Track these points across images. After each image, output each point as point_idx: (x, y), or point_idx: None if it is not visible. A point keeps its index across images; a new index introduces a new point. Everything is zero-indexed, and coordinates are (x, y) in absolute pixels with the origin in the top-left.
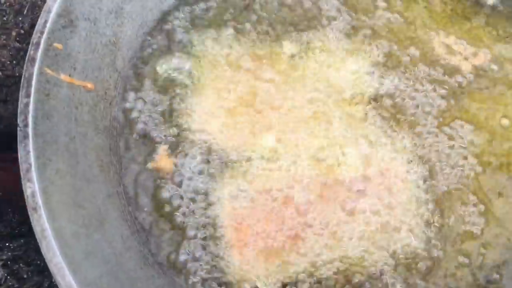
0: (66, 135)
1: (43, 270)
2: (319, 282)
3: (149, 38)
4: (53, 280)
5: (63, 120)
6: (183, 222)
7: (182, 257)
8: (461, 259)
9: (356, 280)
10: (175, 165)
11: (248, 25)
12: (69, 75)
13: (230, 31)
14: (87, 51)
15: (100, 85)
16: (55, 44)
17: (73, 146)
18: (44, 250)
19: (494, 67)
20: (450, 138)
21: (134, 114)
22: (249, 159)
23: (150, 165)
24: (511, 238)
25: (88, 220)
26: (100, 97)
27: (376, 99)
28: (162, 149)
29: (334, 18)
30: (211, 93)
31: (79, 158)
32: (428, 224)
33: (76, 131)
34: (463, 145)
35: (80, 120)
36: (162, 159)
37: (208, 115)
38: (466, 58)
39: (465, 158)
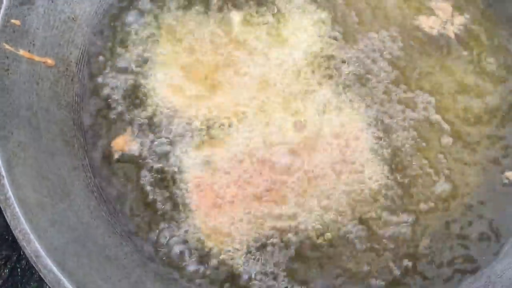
0: (28, 109)
1: (11, 244)
2: (285, 242)
3: (108, 14)
4: (21, 253)
5: (24, 95)
6: (151, 191)
7: (150, 225)
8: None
9: (321, 240)
10: (141, 143)
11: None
12: (29, 51)
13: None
14: (46, 28)
15: (60, 61)
16: (13, 21)
17: (35, 121)
18: (9, 218)
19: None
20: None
21: (97, 90)
22: (212, 126)
23: (113, 144)
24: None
25: (53, 190)
26: (61, 73)
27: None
28: (128, 131)
29: None
30: (173, 64)
31: (42, 132)
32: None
33: (38, 106)
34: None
35: (42, 95)
36: (124, 140)
37: (171, 86)
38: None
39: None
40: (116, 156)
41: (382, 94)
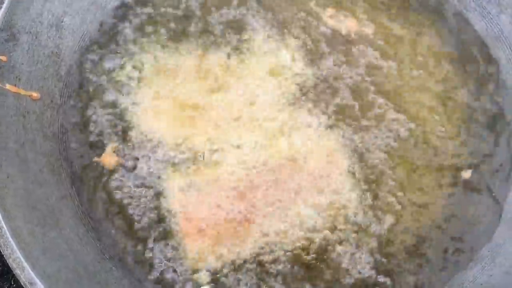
0: (16, 142)
1: (2, 274)
2: (264, 263)
3: (91, 48)
4: (12, 282)
5: (11, 128)
6: (136, 217)
7: (137, 250)
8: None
9: (304, 258)
10: (122, 164)
11: (189, 30)
12: (15, 85)
13: (168, 36)
14: (31, 63)
15: (45, 94)
16: (0, 56)
17: (23, 152)
18: (2, 248)
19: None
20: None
21: (82, 119)
22: (195, 153)
23: (96, 159)
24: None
25: (43, 220)
26: (47, 105)
27: (305, 87)
28: (110, 147)
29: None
30: (155, 92)
31: (30, 163)
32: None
33: (25, 138)
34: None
35: (28, 128)
36: (108, 156)
37: (154, 113)
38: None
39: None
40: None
41: (351, 115)
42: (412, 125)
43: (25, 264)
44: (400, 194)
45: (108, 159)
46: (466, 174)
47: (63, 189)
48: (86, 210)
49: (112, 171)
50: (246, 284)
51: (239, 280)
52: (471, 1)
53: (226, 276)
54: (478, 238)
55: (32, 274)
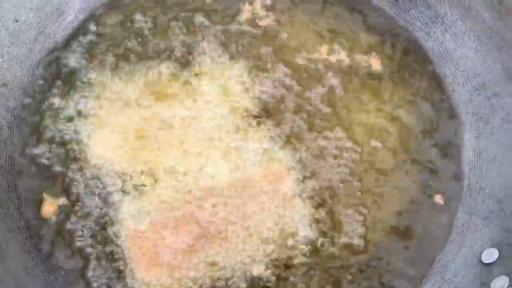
0: None
1: None
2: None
3: (40, 77)
4: None
5: None
6: (87, 247)
7: (87, 283)
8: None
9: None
10: (74, 199)
11: (139, 53)
12: None
13: (115, 62)
14: None
15: None
16: None
17: None
18: None
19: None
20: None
21: (31, 152)
22: (143, 179)
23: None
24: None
25: None
26: None
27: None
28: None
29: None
30: (101, 121)
31: None
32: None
33: None
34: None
35: None
36: (47, 206)
37: (101, 142)
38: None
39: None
40: (48, 216)
41: (301, 137)
42: (359, 148)
43: None
44: (351, 210)
45: (47, 208)
46: (438, 198)
47: (10, 222)
48: (34, 243)
49: (61, 198)
50: None
51: None
52: (417, 21)
53: None
54: (428, 254)
55: None
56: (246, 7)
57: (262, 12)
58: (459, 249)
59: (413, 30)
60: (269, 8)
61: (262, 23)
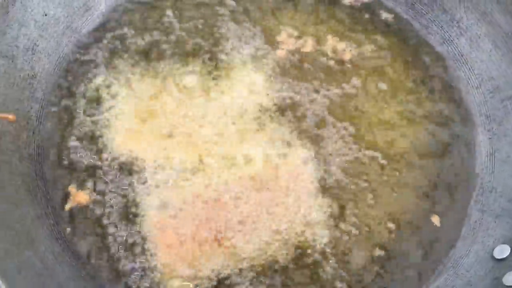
0: None
1: None
2: (244, 278)
3: (66, 70)
4: None
5: None
6: (111, 234)
7: (112, 269)
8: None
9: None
10: (100, 188)
11: (166, 50)
12: None
13: (141, 58)
14: (7, 86)
15: (21, 116)
16: None
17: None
18: None
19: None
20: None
21: (57, 141)
22: (169, 172)
23: (67, 206)
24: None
25: (19, 239)
26: (23, 127)
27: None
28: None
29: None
30: (129, 114)
31: (5, 184)
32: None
33: (0, 159)
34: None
35: (4, 149)
36: (76, 196)
37: (129, 135)
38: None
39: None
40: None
41: (319, 134)
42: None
43: (1, 283)
44: (366, 208)
45: (78, 198)
46: (435, 219)
47: (38, 209)
48: (61, 229)
49: (87, 186)
50: None
51: None
52: (433, 24)
53: None
54: (441, 251)
55: None
56: None
57: None
58: (472, 245)
59: (429, 33)
60: None
61: None
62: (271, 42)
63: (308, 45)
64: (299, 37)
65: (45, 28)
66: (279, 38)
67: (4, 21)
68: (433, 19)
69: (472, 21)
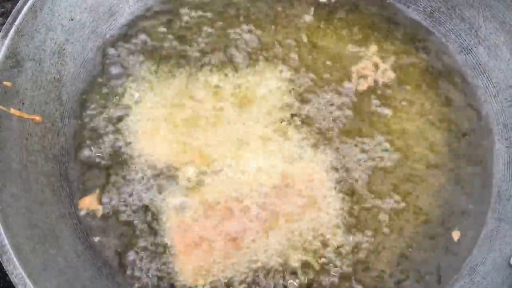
0: (19, 163)
1: None
2: (258, 283)
3: (91, 74)
4: None
5: (15, 150)
6: (132, 235)
7: (133, 268)
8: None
9: (293, 274)
10: (121, 188)
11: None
12: (19, 110)
13: (166, 63)
14: (34, 88)
15: (47, 118)
16: (5, 82)
17: (25, 173)
18: (5, 264)
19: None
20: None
21: (81, 142)
22: (192, 174)
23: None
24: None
25: (44, 237)
26: (48, 128)
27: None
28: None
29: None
30: (153, 116)
31: (32, 184)
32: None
33: (27, 159)
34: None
35: (31, 150)
36: (88, 201)
37: (151, 136)
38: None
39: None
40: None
41: (339, 142)
42: (397, 155)
43: (27, 280)
44: (384, 211)
45: (91, 200)
46: (456, 235)
47: (62, 208)
48: (84, 228)
49: (109, 187)
50: None
51: None
52: (452, 33)
53: None
54: (457, 258)
55: None
56: None
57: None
58: (488, 253)
59: (447, 42)
60: None
61: None
62: None
63: None
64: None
65: (71, 33)
66: None
67: (32, 25)
68: (452, 27)
69: (490, 30)
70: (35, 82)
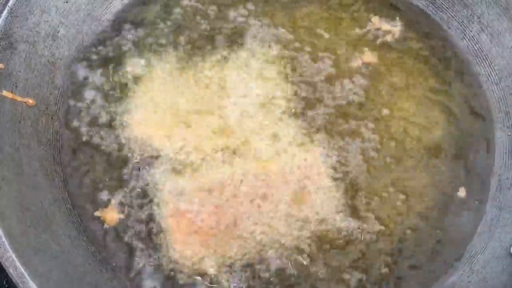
0: (11, 146)
1: None
2: (252, 264)
3: (86, 58)
4: (4, 284)
5: (7, 133)
6: (127, 220)
7: (128, 253)
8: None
9: (292, 265)
10: (117, 174)
11: (181, 42)
12: (12, 92)
13: (161, 46)
14: (28, 71)
15: (41, 101)
16: None
17: (18, 156)
18: None
19: None
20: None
21: (76, 127)
22: (187, 160)
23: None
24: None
25: (36, 221)
26: (42, 112)
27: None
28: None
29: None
30: (149, 101)
31: (24, 167)
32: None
33: (20, 142)
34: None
35: (24, 133)
36: (109, 212)
37: (148, 121)
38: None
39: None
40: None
41: (335, 127)
42: (394, 142)
43: (18, 264)
44: (383, 201)
45: (110, 214)
46: (462, 192)
47: (56, 193)
48: (78, 213)
49: (104, 173)
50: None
51: (230, 283)
52: (454, 19)
53: (217, 278)
54: (457, 247)
55: (24, 273)
56: None
57: None
58: (488, 242)
59: (449, 28)
60: None
61: None
62: None
63: None
64: None
65: (66, 15)
66: None
67: (26, 7)
68: (454, 14)
69: (493, 17)
70: (29, 64)
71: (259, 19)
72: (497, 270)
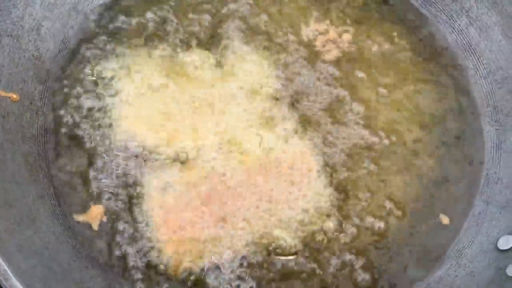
0: None
1: None
2: (244, 259)
3: (70, 52)
4: None
5: None
6: (113, 216)
7: (112, 250)
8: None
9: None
10: (103, 169)
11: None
12: None
13: (144, 40)
14: (11, 65)
15: (25, 96)
16: None
17: (1, 152)
18: None
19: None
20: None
21: (61, 122)
22: (173, 155)
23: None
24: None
25: (20, 218)
26: (26, 107)
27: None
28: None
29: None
30: (134, 95)
31: (8, 163)
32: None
33: (3, 138)
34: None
35: (7, 128)
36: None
37: (133, 116)
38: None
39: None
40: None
41: (323, 119)
42: (382, 135)
43: (1, 260)
44: (370, 194)
45: (95, 211)
46: (444, 219)
47: (40, 189)
48: (62, 210)
49: (90, 168)
50: (229, 284)
51: (219, 280)
52: (442, 13)
53: (203, 276)
54: (444, 240)
55: (7, 270)
56: None
57: None
58: (476, 236)
59: (438, 22)
60: None
61: None
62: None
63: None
64: None
65: (50, 9)
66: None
67: (9, 0)
68: (442, 8)
69: (482, 11)
70: (13, 59)
71: None
72: (484, 264)
